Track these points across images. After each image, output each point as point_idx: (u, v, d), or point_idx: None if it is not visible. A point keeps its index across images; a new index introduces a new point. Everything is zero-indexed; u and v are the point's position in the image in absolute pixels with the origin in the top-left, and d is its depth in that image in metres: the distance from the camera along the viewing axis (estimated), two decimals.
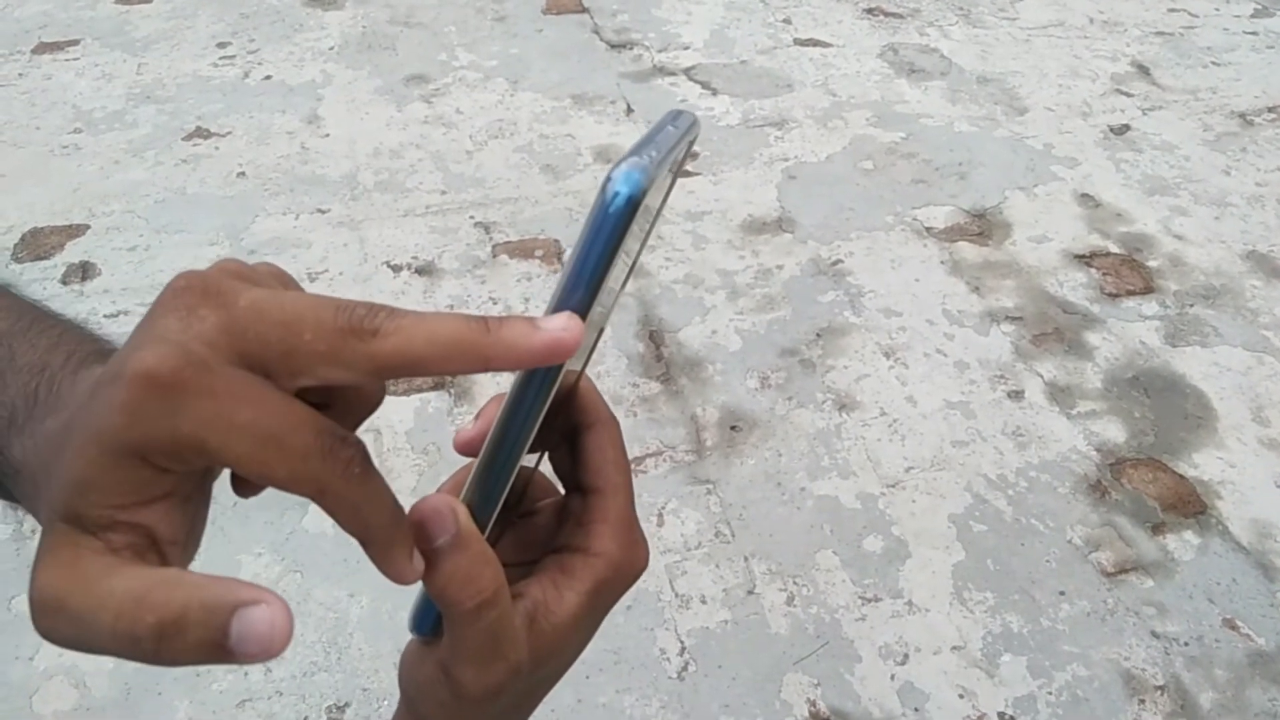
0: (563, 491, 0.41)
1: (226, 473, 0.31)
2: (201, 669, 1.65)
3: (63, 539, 0.28)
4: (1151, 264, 2.63)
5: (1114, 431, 2.15)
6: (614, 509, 0.37)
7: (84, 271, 2.47)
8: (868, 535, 1.93)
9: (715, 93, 3.30)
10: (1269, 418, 2.20)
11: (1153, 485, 2.04)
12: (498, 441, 0.33)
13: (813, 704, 1.66)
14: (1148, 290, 2.55)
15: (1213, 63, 3.59)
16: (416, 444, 2.04)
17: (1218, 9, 3.97)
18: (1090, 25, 3.81)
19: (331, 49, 3.46)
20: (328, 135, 3.02)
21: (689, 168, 2.88)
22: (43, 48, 3.41)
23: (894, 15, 3.82)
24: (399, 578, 0.31)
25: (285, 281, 0.35)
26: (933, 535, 1.93)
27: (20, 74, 3.27)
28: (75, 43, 3.44)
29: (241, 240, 2.59)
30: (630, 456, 0.40)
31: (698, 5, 3.83)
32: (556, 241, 2.62)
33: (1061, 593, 1.84)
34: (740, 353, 2.31)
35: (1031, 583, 1.85)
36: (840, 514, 1.96)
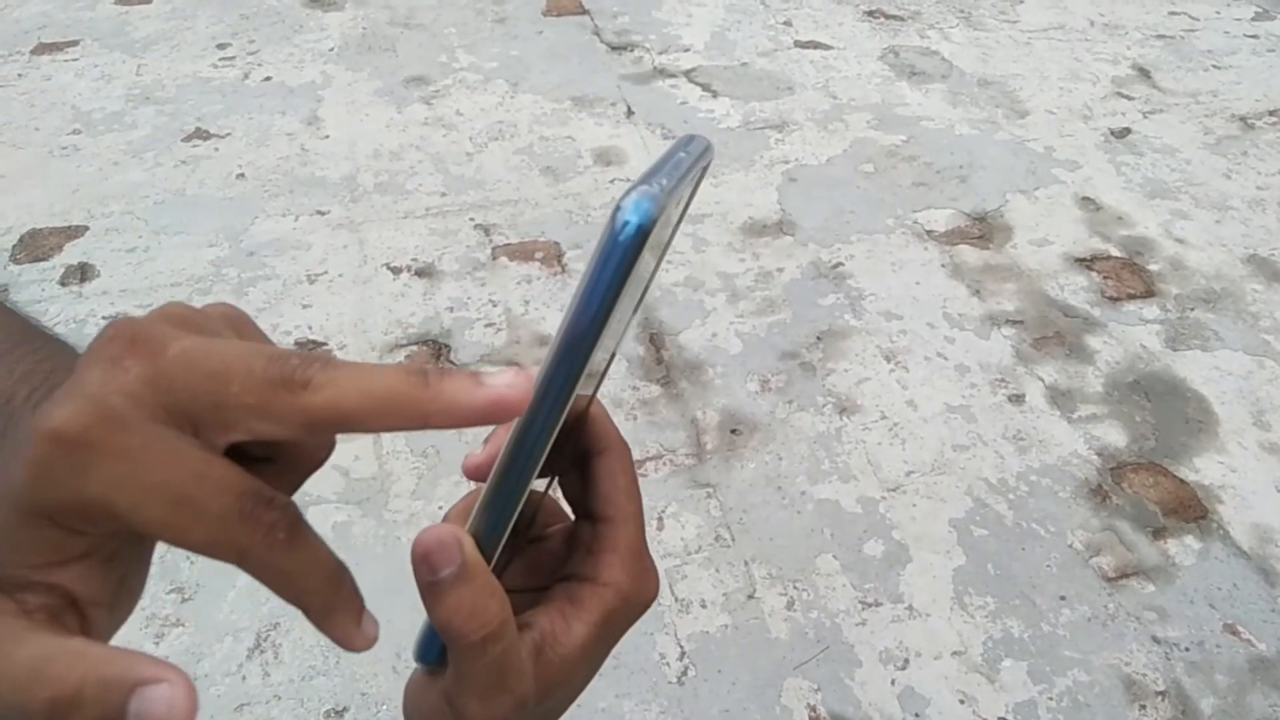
0: (572, 517, 0.40)
1: None
2: (198, 672, 1.65)
3: None
4: (1152, 267, 2.63)
5: (1115, 435, 2.15)
6: (624, 538, 0.36)
7: (83, 273, 2.46)
8: (868, 539, 1.92)
9: (716, 95, 3.29)
10: (1270, 422, 2.20)
11: (1154, 490, 2.04)
12: (505, 468, 0.32)
13: (813, 709, 1.65)
14: (1148, 294, 2.55)
15: (1213, 66, 3.59)
16: (415, 447, 2.04)
17: (1218, 12, 3.97)
18: (1091, 28, 3.81)
19: (331, 50, 3.46)
20: (327, 137, 3.01)
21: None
22: (42, 48, 3.40)
23: (895, 18, 3.82)
24: (346, 644, 0.30)
25: (238, 325, 0.33)
26: (933, 539, 1.93)
27: (19, 74, 3.26)
28: (74, 43, 3.43)
29: (240, 242, 2.59)
30: None
31: (698, 7, 3.83)
32: (556, 244, 2.62)
33: (1062, 598, 1.83)
34: (740, 356, 2.30)
35: (1032, 587, 1.85)
36: (841, 518, 1.96)
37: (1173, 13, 3.95)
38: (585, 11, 3.76)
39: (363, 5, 3.75)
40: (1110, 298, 2.53)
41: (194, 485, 0.26)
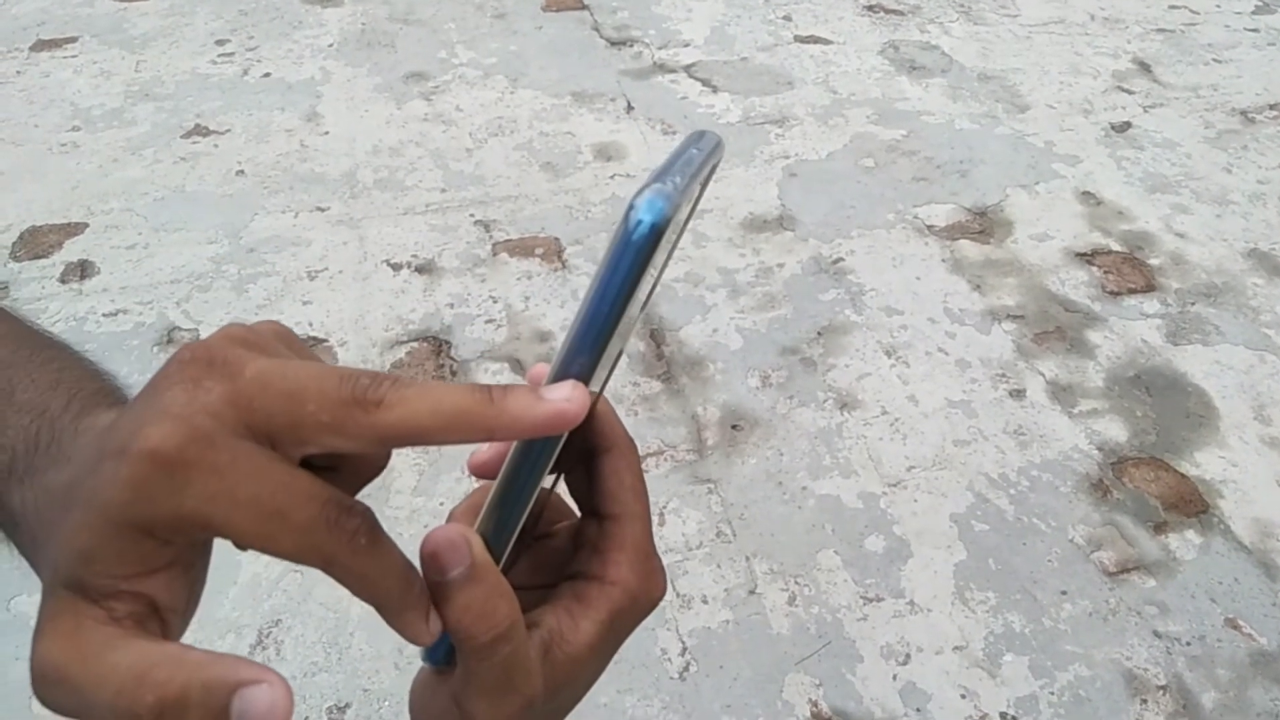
0: (578, 514, 0.40)
1: None
2: None
3: (64, 606, 0.28)
4: (1153, 262, 2.63)
5: (1116, 430, 2.15)
6: (631, 536, 0.37)
7: (82, 270, 2.46)
8: (869, 535, 1.92)
9: (715, 90, 3.29)
10: (1271, 416, 2.20)
11: (1154, 484, 2.04)
12: (515, 467, 0.32)
13: (814, 704, 1.65)
14: (1149, 288, 2.54)
15: (1214, 60, 3.58)
16: None
17: (1219, 6, 3.96)
18: (1091, 22, 3.81)
19: (330, 46, 3.46)
20: (327, 133, 3.01)
21: None
22: (41, 45, 3.40)
23: (895, 12, 3.81)
24: (415, 640, 0.31)
25: (289, 341, 0.35)
26: (934, 535, 1.93)
27: (18, 71, 3.26)
28: (73, 40, 3.43)
29: (240, 238, 2.58)
30: None
31: (698, 2, 3.82)
32: (556, 239, 2.61)
33: (1063, 592, 1.83)
34: (741, 351, 2.30)
35: (1033, 582, 1.85)
36: (842, 513, 1.96)
37: (1173, 6, 3.94)
38: (585, 7, 3.76)
39: (362, 1, 3.74)
40: (1111, 292, 2.52)
41: (282, 497, 0.28)
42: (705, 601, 1.79)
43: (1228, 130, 3.19)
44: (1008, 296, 2.50)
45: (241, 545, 0.29)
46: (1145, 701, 1.67)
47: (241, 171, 2.83)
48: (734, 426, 2.12)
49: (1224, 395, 2.25)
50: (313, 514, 0.28)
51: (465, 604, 0.31)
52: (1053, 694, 1.68)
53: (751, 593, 1.81)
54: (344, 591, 0.30)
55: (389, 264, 2.52)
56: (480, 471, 0.36)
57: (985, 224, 2.74)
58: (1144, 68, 3.52)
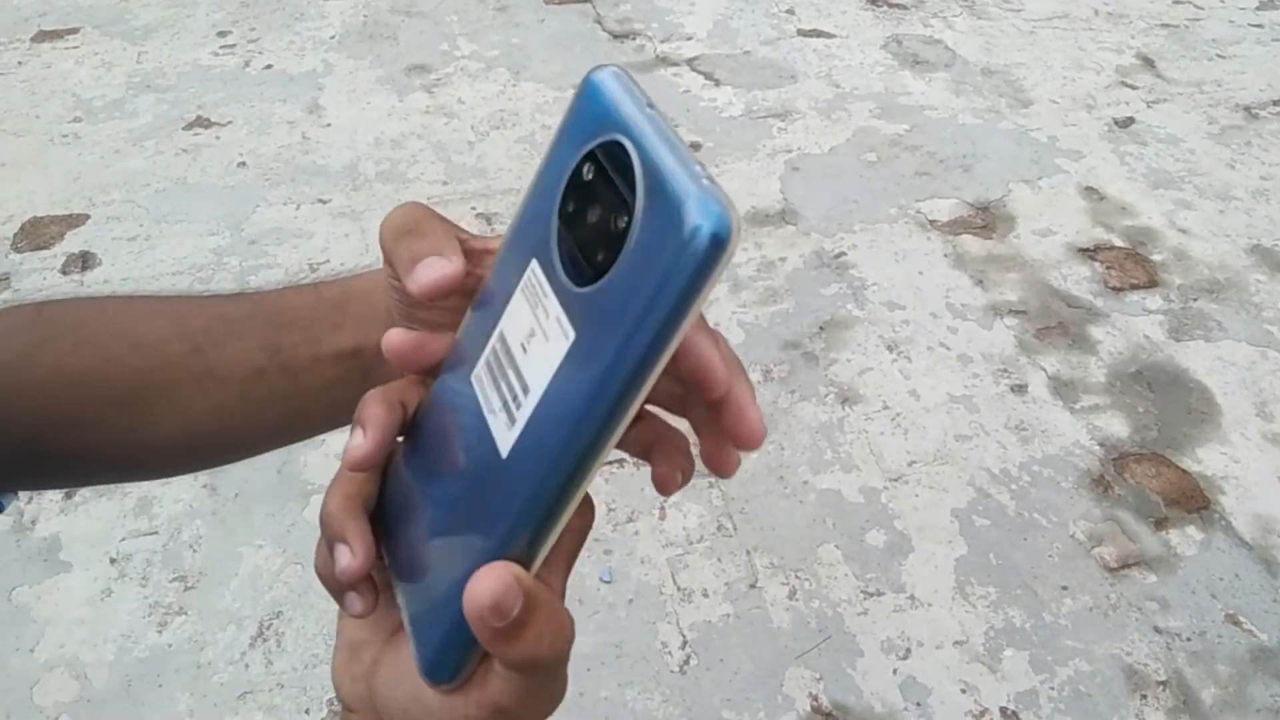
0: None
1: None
2: (201, 660, 1.65)
3: None
4: (1156, 258, 2.62)
5: (1117, 426, 2.15)
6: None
7: (84, 261, 2.46)
8: (870, 529, 1.92)
9: (718, 84, 3.28)
10: (1273, 413, 2.19)
11: (1156, 480, 2.04)
12: (563, 472, 0.29)
13: (815, 698, 1.65)
14: (1152, 284, 2.54)
15: (1218, 55, 3.57)
16: None
17: (1223, 1, 3.95)
18: (1095, 17, 3.80)
19: (332, 38, 3.45)
20: (329, 125, 3.00)
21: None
22: (42, 36, 3.39)
23: (898, 6, 3.81)
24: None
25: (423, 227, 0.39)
26: (935, 529, 1.93)
27: (20, 62, 3.25)
28: (75, 31, 3.42)
29: (242, 230, 2.58)
30: None
31: None
32: None
33: (1064, 587, 1.83)
34: (743, 345, 2.30)
35: (1034, 577, 1.85)
36: (843, 508, 1.96)
37: (1177, 2, 3.93)
38: (587, 0, 3.75)
39: None
40: (1113, 288, 2.52)
41: None
42: (706, 595, 1.79)
43: (1231, 126, 3.18)
44: (1010, 292, 2.49)
45: None
46: (1145, 697, 1.67)
47: (243, 163, 2.83)
48: None
49: (1226, 391, 2.24)
50: None
51: (537, 635, 0.30)
52: (1053, 689, 1.68)
53: (752, 586, 1.81)
54: None
55: None
56: (357, 465, 0.34)
57: (988, 219, 2.74)
58: (1147, 63, 3.51)
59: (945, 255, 2.60)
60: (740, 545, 1.88)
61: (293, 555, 1.81)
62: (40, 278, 2.40)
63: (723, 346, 0.33)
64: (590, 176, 0.30)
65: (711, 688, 1.66)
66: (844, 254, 2.59)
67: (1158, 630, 1.77)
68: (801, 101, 3.20)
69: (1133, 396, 2.22)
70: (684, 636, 1.73)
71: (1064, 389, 2.23)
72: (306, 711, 1.60)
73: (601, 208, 0.29)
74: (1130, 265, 2.60)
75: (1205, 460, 2.08)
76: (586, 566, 1.80)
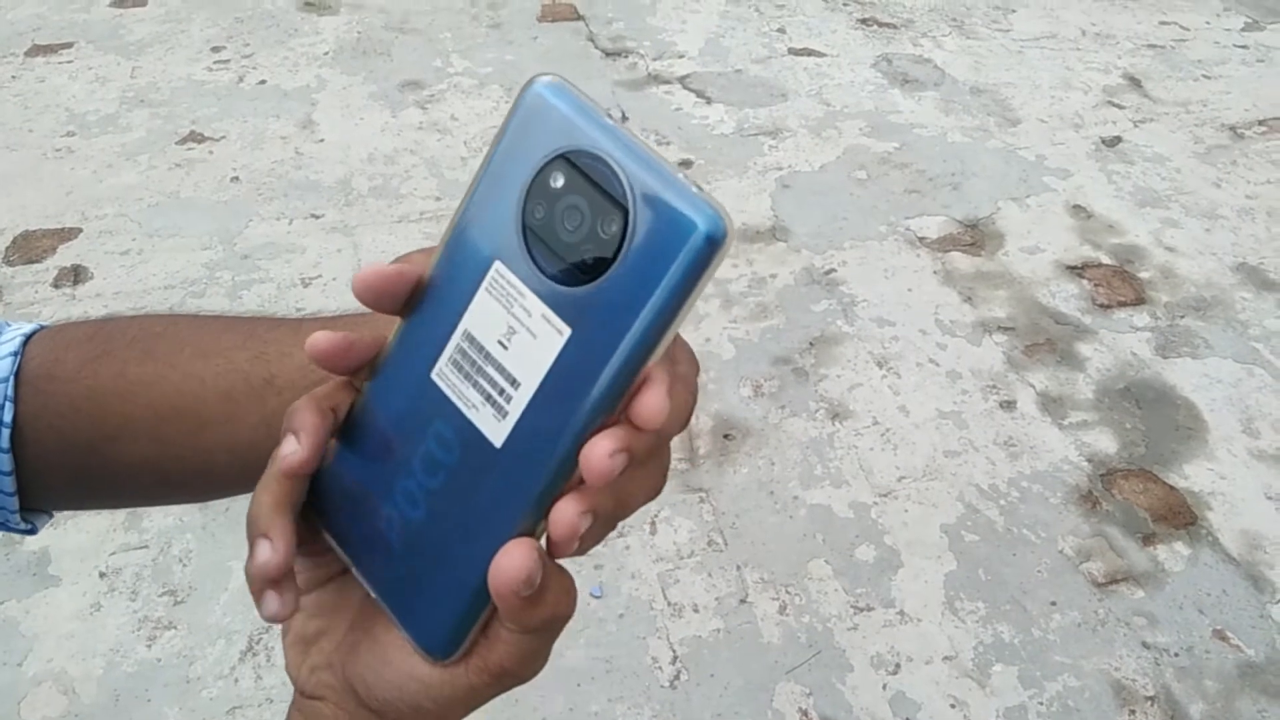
0: None
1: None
2: (190, 675, 1.65)
3: None
4: (1143, 275, 2.65)
5: (1105, 442, 2.16)
6: None
7: (76, 275, 2.46)
8: (860, 544, 1.93)
9: (710, 101, 3.31)
10: (1259, 429, 2.21)
11: (1143, 496, 2.05)
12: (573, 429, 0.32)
13: (804, 713, 1.66)
14: (1139, 301, 2.56)
15: (1204, 75, 3.61)
16: None
17: (1209, 22, 4.00)
18: (1082, 37, 3.83)
19: (326, 54, 3.46)
20: (322, 140, 3.02)
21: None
22: (36, 50, 3.40)
23: (888, 26, 3.84)
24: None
25: None
26: (925, 545, 1.93)
27: (13, 76, 3.26)
28: (69, 45, 3.43)
29: (234, 245, 2.59)
30: None
31: (693, 14, 3.84)
32: None
33: (1053, 603, 1.84)
34: (733, 361, 2.31)
35: (1023, 593, 1.86)
36: (832, 523, 1.97)
37: (1163, 23, 3.97)
38: (580, 17, 3.77)
39: (357, 10, 3.75)
40: (1101, 305, 2.54)
41: None
42: (696, 610, 1.80)
43: (1217, 145, 3.21)
44: (998, 308, 2.51)
45: None
46: (1133, 712, 1.68)
47: (236, 178, 2.84)
48: (726, 436, 2.13)
49: (1213, 408, 2.26)
50: None
51: (555, 598, 0.33)
52: (1041, 704, 1.68)
53: (742, 601, 1.82)
54: None
55: None
56: (293, 471, 0.35)
57: (976, 236, 2.76)
58: (1134, 83, 3.54)
59: (934, 272, 2.62)
60: (731, 560, 1.89)
61: None
62: (32, 291, 2.40)
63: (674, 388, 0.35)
64: (561, 184, 0.32)
65: (702, 703, 1.66)
66: (834, 270, 2.61)
67: (1146, 646, 1.78)
68: (792, 119, 3.23)
69: (1120, 413, 2.24)
70: (674, 651, 1.73)
71: (1052, 405, 2.25)
72: None
73: (584, 213, 0.32)
74: (1118, 283, 2.62)
75: (1192, 476, 2.09)
76: (577, 581, 1.80)
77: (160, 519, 1.89)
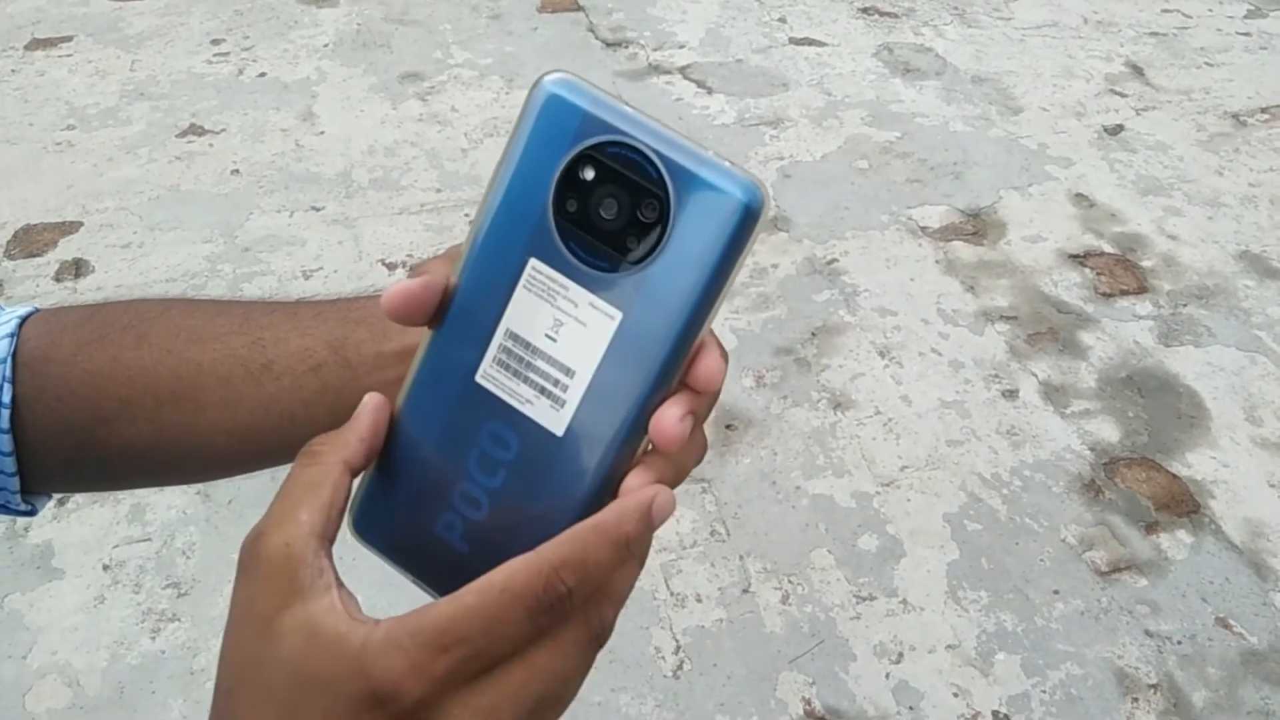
0: None
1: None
2: (195, 666, 1.65)
3: None
4: (1145, 264, 2.64)
5: (1108, 431, 2.16)
6: None
7: (77, 269, 2.46)
8: (863, 534, 1.93)
9: (711, 91, 3.30)
10: (1262, 417, 2.21)
11: (1146, 484, 2.05)
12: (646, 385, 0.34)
13: (808, 702, 1.66)
14: (1141, 290, 2.56)
15: (1206, 63, 3.60)
16: None
17: (1211, 10, 3.98)
18: (1084, 25, 3.82)
19: (326, 46, 3.46)
20: (322, 133, 3.01)
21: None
22: (36, 44, 3.40)
23: (889, 15, 3.83)
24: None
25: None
26: (927, 534, 1.94)
27: (13, 70, 3.25)
28: (68, 39, 3.42)
29: (236, 238, 2.59)
30: None
31: (693, 4, 3.83)
32: None
33: (1055, 591, 1.84)
34: (736, 351, 2.31)
35: (1026, 581, 1.86)
36: (835, 513, 1.97)
37: (1165, 10, 3.96)
38: (580, 8, 3.76)
39: (357, 2, 3.74)
40: (1103, 294, 2.54)
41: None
42: (699, 600, 1.80)
43: (1219, 133, 3.20)
44: (1000, 298, 2.51)
45: None
46: (1136, 700, 1.68)
47: (237, 171, 2.83)
48: (728, 426, 2.13)
49: (1215, 396, 2.26)
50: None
51: (663, 502, 0.34)
52: (1044, 692, 1.68)
53: (745, 591, 1.82)
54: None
55: (384, 263, 2.52)
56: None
57: (978, 225, 2.76)
58: (1136, 71, 3.53)
59: (936, 261, 2.62)
60: (733, 550, 1.89)
61: None
62: (33, 285, 2.40)
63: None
64: (592, 176, 0.33)
65: (705, 693, 1.66)
66: (836, 260, 2.60)
67: (1149, 634, 1.78)
68: (793, 109, 3.22)
69: (1123, 401, 2.23)
70: (677, 641, 1.73)
71: (1055, 394, 2.24)
72: None
73: (621, 201, 0.33)
74: (1120, 271, 2.61)
75: (1195, 464, 2.09)
76: None
77: (163, 511, 1.90)
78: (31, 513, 0.52)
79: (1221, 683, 1.71)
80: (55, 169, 2.81)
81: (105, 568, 1.80)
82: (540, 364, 0.34)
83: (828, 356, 2.31)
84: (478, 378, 0.35)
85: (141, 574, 1.79)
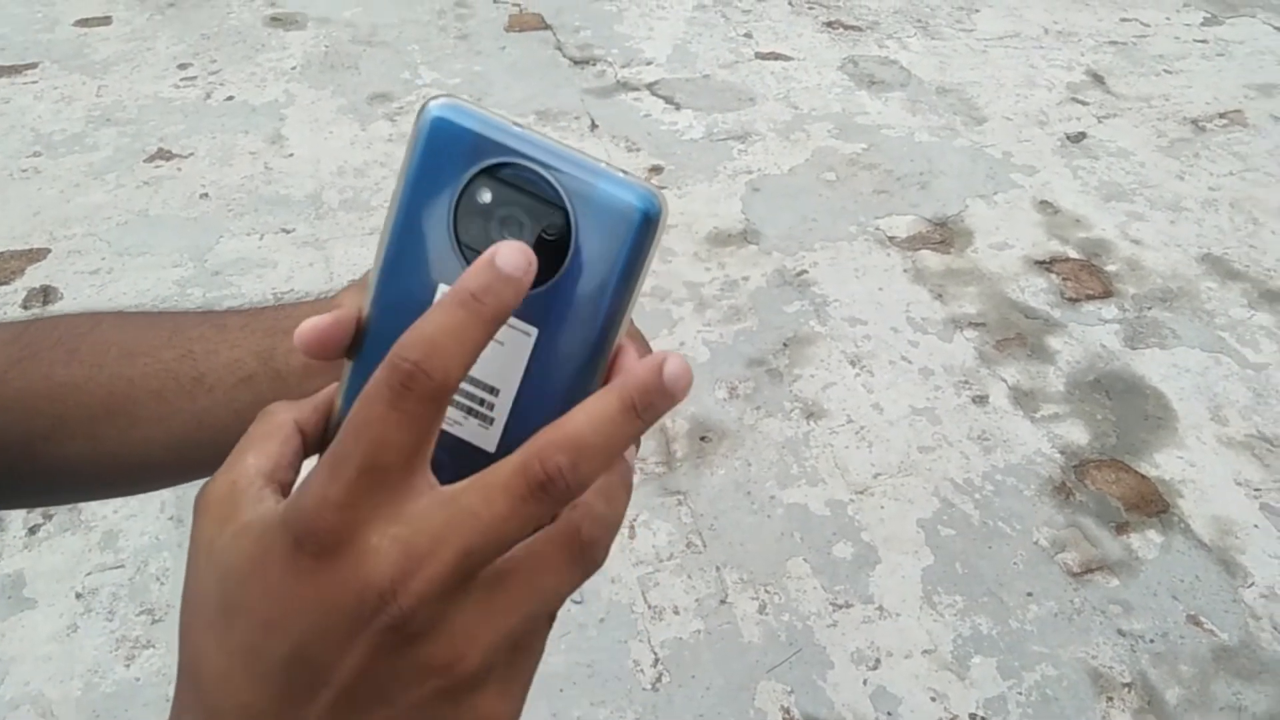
0: None
1: None
2: (170, 694, 1.63)
3: None
4: (1110, 268, 2.68)
5: (1077, 434, 2.19)
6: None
7: (45, 295, 2.44)
8: (837, 542, 1.94)
9: (679, 107, 3.32)
10: (1227, 416, 2.24)
11: (1116, 485, 2.08)
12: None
13: (786, 711, 1.66)
14: (1107, 294, 2.59)
15: (1165, 70, 3.67)
16: None
17: (1169, 18, 4.06)
18: (1045, 35, 3.88)
19: (294, 69, 3.46)
20: (291, 155, 3.01)
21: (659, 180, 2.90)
22: (0, 71, 3.38)
23: (853, 28, 3.87)
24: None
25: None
26: (901, 540, 1.95)
27: None
28: (33, 65, 3.41)
29: (205, 261, 2.58)
30: None
31: (660, 21, 3.86)
32: None
33: (1029, 594, 1.86)
34: (708, 364, 2.32)
35: (999, 585, 1.88)
36: (810, 521, 1.98)
37: (1124, 19, 4.03)
38: (548, 27, 3.79)
39: (324, 24, 3.75)
40: (1069, 299, 2.57)
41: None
42: (677, 612, 1.80)
43: (1179, 139, 3.26)
44: (969, 305, 2.53)
45: None
46: (1111, 699, 1.70)
47: (205, 194, 2.83)
48: (702, 438, 2.14)
49: (1181, 397, 2.29)
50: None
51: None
52: (1020, 694, 1.70)
53: (722, 602, 1.83)
54: None
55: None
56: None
57: (945, 234, 2.79)
58: (1097, 79, 3.59)
59: (905, 270, 2.65)
60: (710, 561, 1.89)
61: None
62: (0, 312, 2.38)
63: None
64: (489, 199, 0.33)
65: (684, 704, 1.67)
66: (805, 272, 2.63)
67: (1121, 633, 1.80)
68: (761, 123, 3.25)
69: (1091, 404, 2.26)
70: (655, 654, 1.74)
71: (1024, 399, 2.27)
72: None
73: (522, 220, 0.33)
74: (1085, 276, 2.65)
75: (1163, 465, 2.12)
76: None
77: (136, 538, 1.88)
78: None
79: (1194, 679, 1.73)
80: (21, 196, 2.79)
81: (78, 596, 1.79)
82: (465, 385, 0.34)
83: (799, 367, 2.33)
84: None
85: (115, 601, 1.78)
